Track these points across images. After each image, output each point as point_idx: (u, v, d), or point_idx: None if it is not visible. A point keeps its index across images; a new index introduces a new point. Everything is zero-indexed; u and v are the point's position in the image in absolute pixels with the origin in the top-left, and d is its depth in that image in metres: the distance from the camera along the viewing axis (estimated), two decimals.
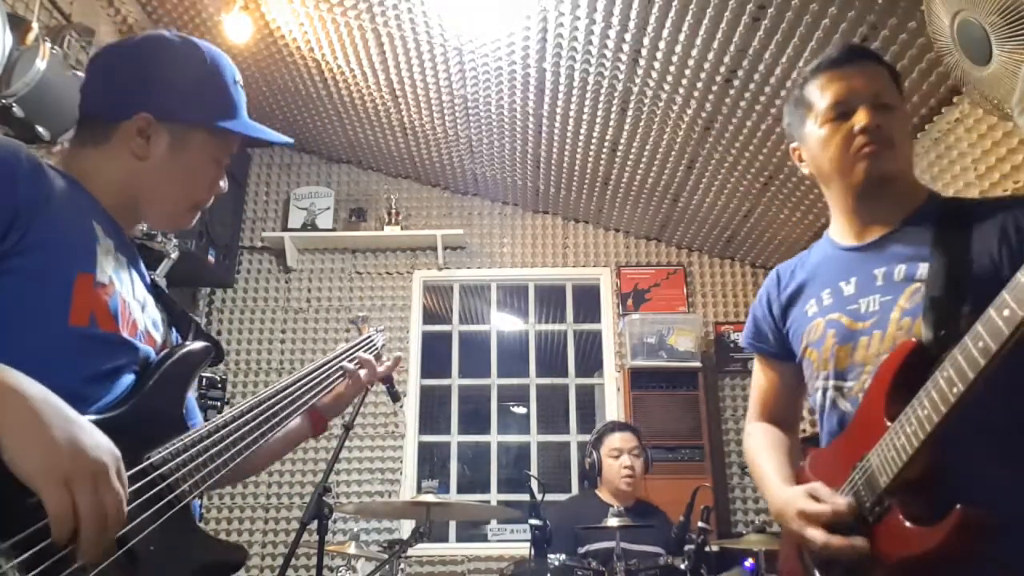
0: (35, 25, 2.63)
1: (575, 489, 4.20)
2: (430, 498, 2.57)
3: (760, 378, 1.51)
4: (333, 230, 4.57)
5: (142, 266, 1.12)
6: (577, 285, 4.67)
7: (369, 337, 1.55)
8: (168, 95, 1.08)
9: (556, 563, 2.44)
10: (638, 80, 3.25)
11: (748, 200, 3.93)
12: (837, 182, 1.30)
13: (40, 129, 2.69)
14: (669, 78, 3.18)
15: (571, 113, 3.61)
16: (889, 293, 1.20)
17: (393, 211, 4.57)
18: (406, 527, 3.93)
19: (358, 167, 4.78)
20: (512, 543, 3.86)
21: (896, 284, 1.20)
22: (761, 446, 1.41)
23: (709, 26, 2.83)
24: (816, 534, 1.10)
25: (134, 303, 1.04)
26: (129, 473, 0.83)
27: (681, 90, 3.23)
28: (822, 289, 1.32)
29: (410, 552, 2.78)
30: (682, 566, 2.42)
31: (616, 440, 3.10)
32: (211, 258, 4.06)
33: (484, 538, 4.05)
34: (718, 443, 4.17)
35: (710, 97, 3.21)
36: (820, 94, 1.30)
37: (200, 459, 0.97)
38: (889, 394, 1.10)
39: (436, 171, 4.56)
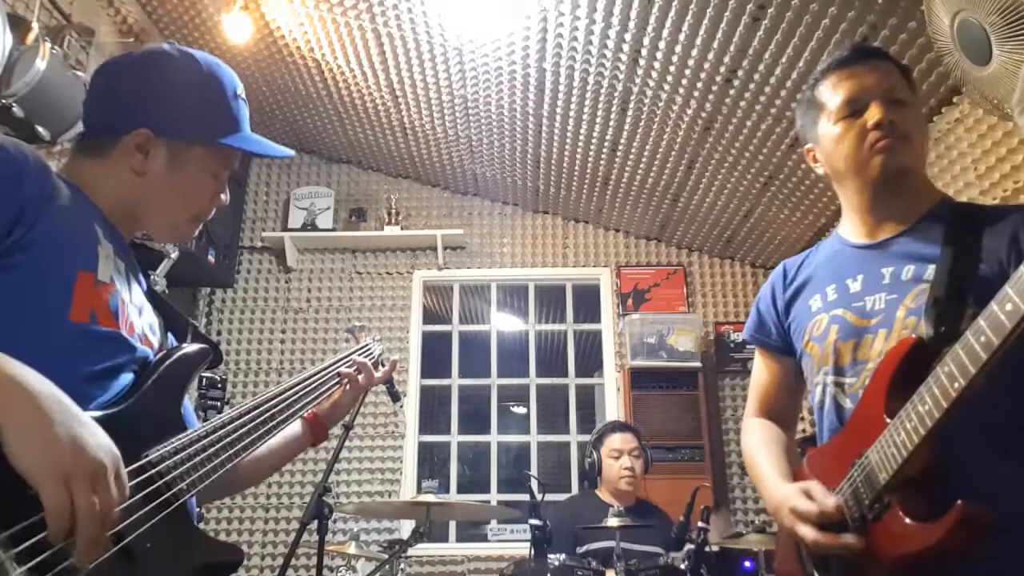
0: (35, 25, 2.63)
1: (575, 489, 4.19)
2: (430, 498, 2.58)
3: (760, 372, 1.50)
4: (333, 230, 4.57)
5: (139, 273, 1.13)
6: (577, 285, 4.68)
7: (366, 345, 1.55)
8: (167, 111, 1.09)
9: (556, 563, 2.44)
10: (638, 80, 3.25)
11: (748, 200, 3.93)
12: (852, 179, 1.30)
13: (40, 129, 2.69)
14: (669, 78, 3.18)
15: (571, 113, 3.61)
16: (895, 292, 1.20)
17: (393, 211, 4.57)
18: (406, 527, 3.93)
19: (358, 167, 4.78)
20: (512, 543, 3.86)
21: (904, 284, 1.20)
22: (759, 442, 1.41)
23: (709, 26, 2.83)
24: (806, 531, 1.11)
25: (132, 307, 1.05)
26: (127, 470, 0.83)
27: (681, 90, 3.23)
28: (828, 285, 1.32)
29: (410, 552, 2.78)
30: (682, 566, 2.42)
31: (616, 441, 3.10)
32: (211, 258, 4.06)
33: (484, 538, 4.05)
34: (718, 443, 4.17)
35: (710, 97, 3.21)
36: (832, 93, 1.30)
37: (197, 459, 0.98)
38: (889, 390, 1.09)
39: (436, 171, 4.56)
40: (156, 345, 1.10)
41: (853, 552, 1.06)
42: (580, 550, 2.77)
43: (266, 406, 1.16)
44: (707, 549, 2.47)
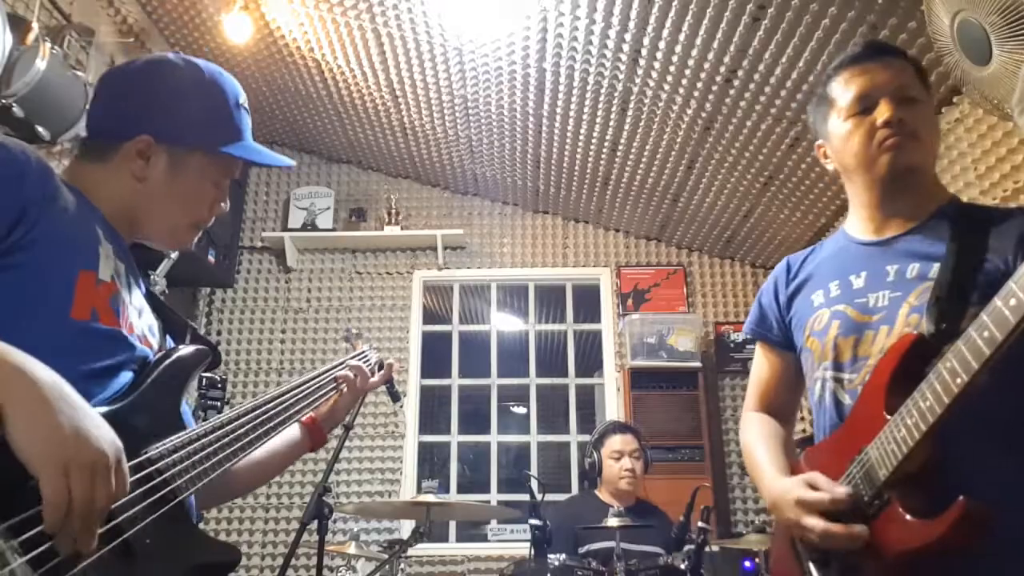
0: (35, 25, 2.63)
1: (575, 489, 4.20)
2: (430, 498, 2.58)
3: (760, 366, 1.50)
4: (333, 230, 4.57)
5: (139, 276, 1.14)
6: (577, 285, 4.68)
7: (363, 352, 1.55)
8: (169, 118, 1.10)
9: (556, 563, 2.44)
10: (638, 80, 3.25)
11: (748, 200, 3.93)
12: (861, 176, 1.30)
13: (40, 129, 2.69)
14: (669, 78, 3.18)
15: (571, 113, 3.61)
16: (899, 289, 1.20)
17: (393, 211, 4.57)
18: (406, 527, 3.93)
19: (358, 167, 4.78)
20: (512, 543, 3.86)
21: (908, 281, 1.20)
22: (757, 436, 1.41)
23: (709, 26, 2.83)
24: (815, 522, 1.09)
25: (132, 308, 1.06)
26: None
27: (681, 90, 3.23)
28: (831, 281, 1.31)
29: (410, 552, 2.78)
30: (682, 566, 2.42)
31: (617, 442, 3.10)
32: (211, 258, 4.06)
33: (484, 538, 4.05)
34: (718, 443, 4.17)
35: (710, 97, 3.21)
36: (843, 89, 1.30)
37: (196, 456, 0.98)
38: (889, 387, 1.09)
39: (436, 171, 4.56)
40: (155, 346, 1.10)
41: (862, 542, 1.05)
42: (581, 551, 2.76)
43: (264, 408, 1.16)
44: (707, 549, 2.47)
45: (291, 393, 1.25)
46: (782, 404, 1.48)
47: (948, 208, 1.25)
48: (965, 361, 0.91)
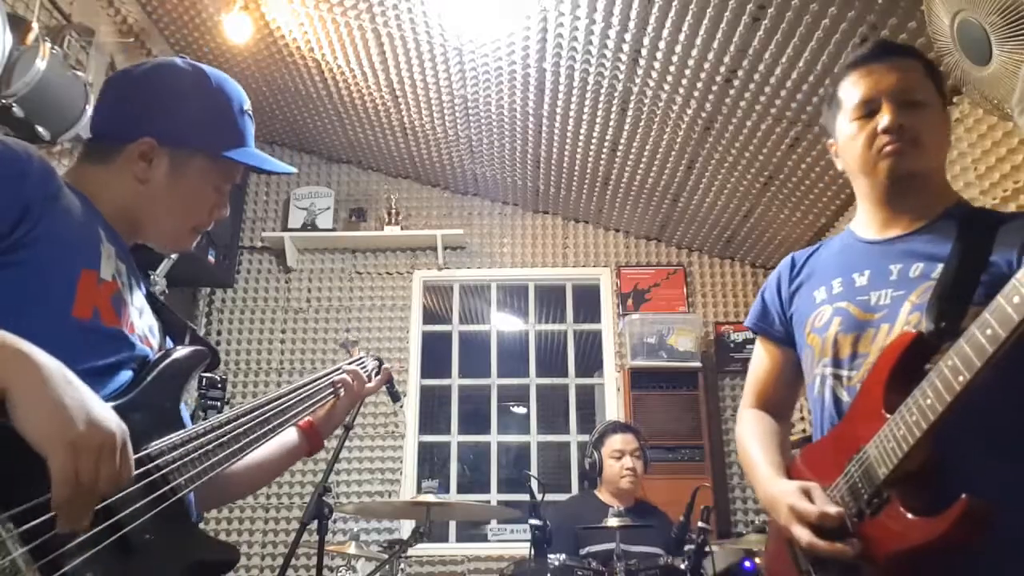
0: (35, 25, 2.63)
1: (575, 489, 4.20)
2: (430, 498, 2.58)
3: (759, 362, 1.50)
4: (333, 230, 4.57)
5: (140, 277, 1.14)
6: (577, 285, 4.68)
7: (360, 358, 1.56)
8: (172, 121, 1.11)
9: (556, 563, 2.44)
10: (638, 80, 3.25)
11: (748, 200, 3.93)
12: (863, 179, 1.30)
13: (40, 129, 2.69)
14: (669, 78, 3.18)
15: (571, 113, 3.61)
16: (902, 288, 1.20)
17: (393, 211, 4.57)
18: (406, 527, 3.93)
19: (358, 167, 4.78)
20: (512, 543, 3.86)
21: (911, 280, 1.20)
22: (753, 433, 1.41)
23: (709, 26, 2.83)
24: (803, 533, 1.10)
25: (133, 308, 1.07)
26: None
27: (681, 90, 3.23)
28: (834, 278, 1.32)
29: (410, 552, 2.78)
30: (682, 566, 2.42)
31: (618, 442, 3.10)
32: (211, 258, 4.06)
33: (484, 538, 4.05)
34: (718, 443, 4.17)
35: (710, 97, 3.21)
36: (850, 90, 1.30)
37: (196, 455, 0.99)
38: (888, 384, 1.09)
39: (436, 171, 4.56)
40: (155, 346, 1.11)
41: (846, 558, 1.06)
42: (581, 551, 2.76)
43: (262, 410, 1.17)
44: (707, 549, 2.47)
45: (289, 396, 1.26)
46: (779, 400, 1.48)
47: (955, 210, 1.25)
48: (967, 359, 0.91)
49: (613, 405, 4.30)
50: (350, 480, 4.20)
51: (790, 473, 1.27)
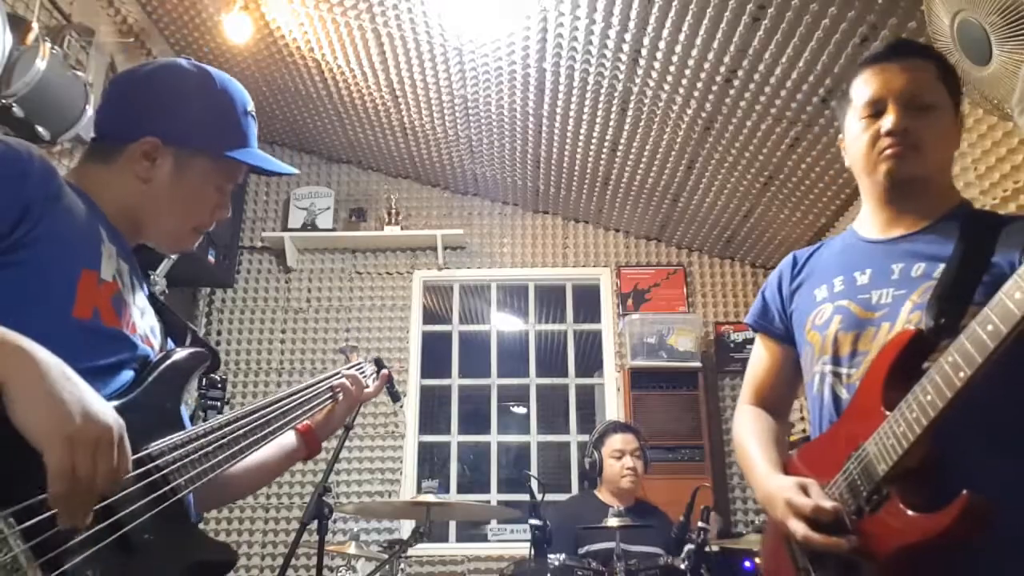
0: (35, 25, 2.63)
1: (575, 489, 4.20)
2: (430, 498, 2.58)
3: (759, 358, 1.50)
4: (333, 230, 4.57)
5: (142, 277, 1.15)
6: (577, 285, 4.68)
7: (359, 363, 1.56)
8: (176, 120, 1.11)
9: (556, 563, 2.44)
10: (638, 80, 3.25)
11: (748, 200, 3.93)
12: (864, 178, 1.31)
13: (40, 129, 2.69)
14: (669, 78, 3.18)
15: (571, 113, 3.61)
16: (904, 288, 1.20)
17: (393, 211, 4.57)
18: (406, 527, 3.93)
19: (358, 167, 4.78)
20: (512, 543, 3.86)
21: (912, 280, 1.20)
22: (750, 430, 1.41)
23: (709, 26, 2.83)
24: (798, 526, 1.11)
25: (135, 308, 1.07)
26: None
27: (681, 90, 3.23)
28: (835, 276, 1.32)
29: (410, 552, 2.78)
30: (682, 566, 2.42)
31: (618, 441, 3.10)
32: (211, 258, 4.06)
33: (484, 538, 4.05)
34: (718, 443, 4.17)
35: (710, 97, 3.21)
36: (860, 89, 1.30)
37: (195, 455, 0.99)
38: (887, 382, 1.09)
39: (436, 171, 4.56)
40: (157, 347, 1.11)
41: (841, 552, 1.06)
42: (581, 551, 2.76)
43: (262, 413, 1.17)
44: (707, 549, 2.47)
45: (288, 400, 1.26)
46: (777, 398, 1.48)
47: (958, 211, 1.26)
48: (968, 355, 0.91)
49: (613, 405, 4.29)
50: (350, 480, 4.20)
51: (787, 470, 1.27)
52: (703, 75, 3.09)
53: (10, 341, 0.77)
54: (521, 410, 5.50)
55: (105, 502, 0.82)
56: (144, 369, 1.02)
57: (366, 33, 3.41)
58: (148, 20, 3.69)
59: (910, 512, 1.00)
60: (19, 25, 2.57)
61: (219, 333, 4.47)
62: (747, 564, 2.86)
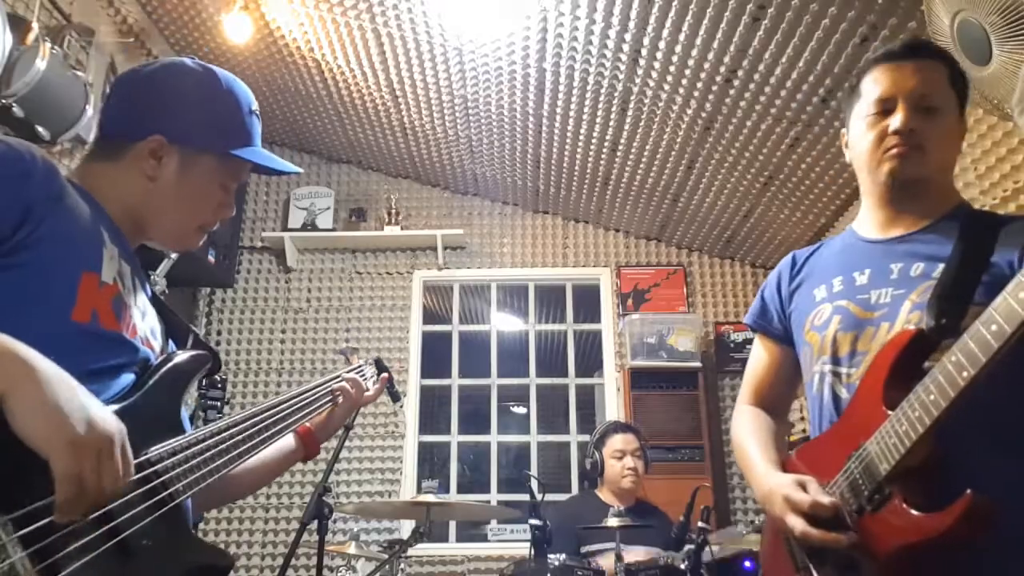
0: (35, 25, 2.63)
1: (575, 489, 4.20)
2: (430, 498, 2.58)
3: (758, 358, 1.50)
4: (333, 230, 4.57)
5: (144, 278, 1.15)
6: (577, 285, 4.67)
7: (359, 366, 1.56)
8: (182, 120, 1.11)
9: (556, 563, 2.44)
10: (638, 80, 3.25)
11: (748, 200, 3.93)
12: (866, 176, 1.31)
13: (40, 129, 2.69)
14: (669, 78, 3.18)
15: (571, 113, 3.61)
16: (903, 287, 1.20)
17: (393, 211, 4.57)
18: (406, 527, 3.93)
19: (358, 167, 4.78)
20: (512, 543, 3.86)
21: (911, 280, 1.20)
22: (750, 430, 1.41)
23: (709, 26, 2.83)
24: (796, 522, 1.11)
25: (136, 310, 1.07)
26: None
27: (681, 90, 3.23)
28: (834, 276, 1.32)
29: (410, 552, 2.78)
30: (682, 566, 2.42)
31: (619, 442, 3.10)
32: (211, 258, 4.06)
33: (484, 538, 4.05)
34: (718, 443, 4.17)
35: (710, 97, 3.21)
36: (871, 86, 1.30)
37: (194, 461, 0.99)
38: (887, 381, 1.09)
39: (436, 171, 4.56)
40: (157, 349, 1.11)
41: (840, 547, 1.06)
42: (581, 551, 2.76)
43: (261, 416, 1.18)
44: (707, 549, 2.47)
45: (287, 403, 1.26)
46: (776, 398, 1.48)
47: (958, 212, 1.26)
48: (972, 354, 0.91)
49: (613, 405, 4.29)
50: (350, 480, 4.20)
51: (786, 470, 1.27)
52: (703, 75, 3.09)
53: (10, 350, 0.76)
54: (521, 410, 5.50)
55: (104, 509, 0.82)
56: (145, 372, 1.02)
57: (366, 33, 3.41)
58: (148, 20, 3.69)
59: (912, 511, 1.00)
60: (19, 25, 2.57)
61: (219, 333, 4.47)
62: (747, 564, 2.86)
